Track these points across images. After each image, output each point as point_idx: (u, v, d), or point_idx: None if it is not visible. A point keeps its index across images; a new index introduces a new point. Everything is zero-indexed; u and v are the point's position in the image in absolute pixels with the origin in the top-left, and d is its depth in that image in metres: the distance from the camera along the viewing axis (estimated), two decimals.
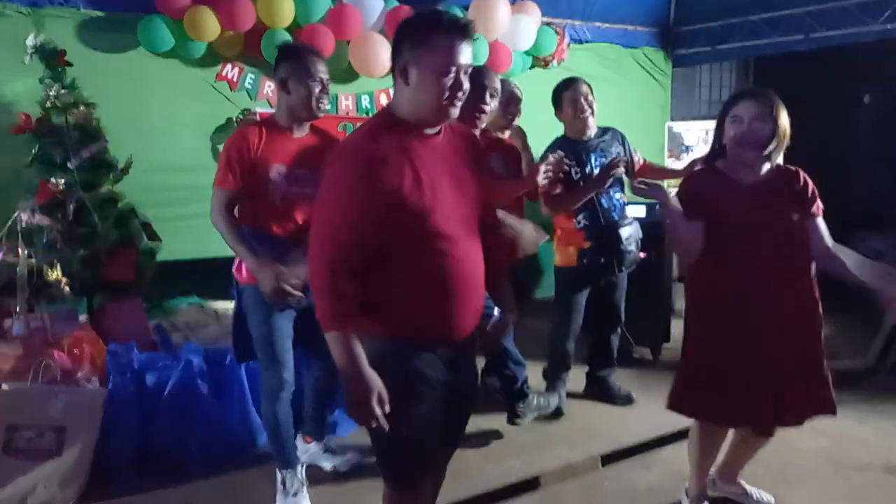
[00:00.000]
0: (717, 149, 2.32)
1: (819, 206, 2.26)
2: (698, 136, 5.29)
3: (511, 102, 3.10)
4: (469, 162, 1.78)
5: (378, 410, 1.61)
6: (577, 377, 3.60)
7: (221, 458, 2.87)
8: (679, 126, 5.50)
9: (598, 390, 3.60)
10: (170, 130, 3.91)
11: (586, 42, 5.32)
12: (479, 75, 2.62)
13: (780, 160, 2.31)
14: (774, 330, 2.20)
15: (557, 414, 3.38)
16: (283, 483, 2.57)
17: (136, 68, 3.76)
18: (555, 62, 4.95)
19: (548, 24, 4.83)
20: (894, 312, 2.60)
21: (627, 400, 3.51)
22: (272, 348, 2.49)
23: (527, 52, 4.75)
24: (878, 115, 6.37)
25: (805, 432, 3.15)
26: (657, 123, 5.61)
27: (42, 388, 2.65)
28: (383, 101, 4.40)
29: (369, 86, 4.37)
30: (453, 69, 1.61)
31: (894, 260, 4.76)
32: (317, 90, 2.39)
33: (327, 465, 2.85)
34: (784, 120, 2.20)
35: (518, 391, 3.15)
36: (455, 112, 1.67)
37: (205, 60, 3.90)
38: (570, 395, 3.53)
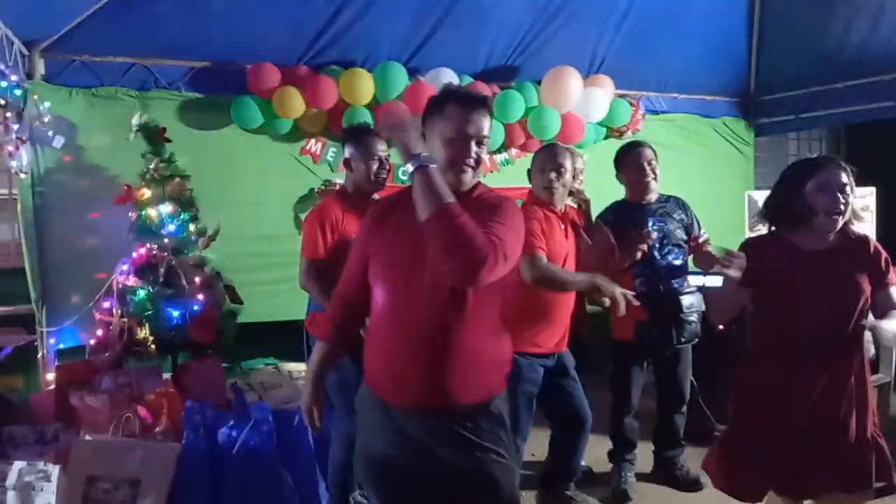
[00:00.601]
0: (790, 216, 2.23)
1: (893, 276, 2.17)
2: None
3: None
4: None
5: (308, 418, 1.96)
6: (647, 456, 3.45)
7: None
8: (759, 195, 5.33)
9: (665, 472, 3.41)
10: (257, 200, 4.17)
11: (663, 112, 5.34)
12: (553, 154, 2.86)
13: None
14: (816, 400, 2.14)
15: (623, 498, 3.23)
16: None
17: (228, 144, 4.07)
18: (629, 132, 4.97)
19: (622, 95, 4.89)
20: None
21: (695, 484, 3.27)
22: (348, 394, 2.56)
23: (600, 123, 4.79)
24: None
25: None
26: (739, 193, 5.47)
27: (121, 442, 2.79)
28: None
29: None
30: (463, 137, 1.73)
31: None
32: (374, 167, 2.57)
33: None
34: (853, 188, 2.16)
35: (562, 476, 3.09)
36: (467, 178, 1.76)
37: (291, 136, 4.17)
38: (640, 476, 3.39)
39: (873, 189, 4.36)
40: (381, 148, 2.64)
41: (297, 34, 4.02)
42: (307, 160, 4.27)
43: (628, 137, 4.99)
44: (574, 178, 3.08)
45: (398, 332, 1.77)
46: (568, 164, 2.84)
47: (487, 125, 1.78)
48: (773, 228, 2.32)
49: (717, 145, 5.58)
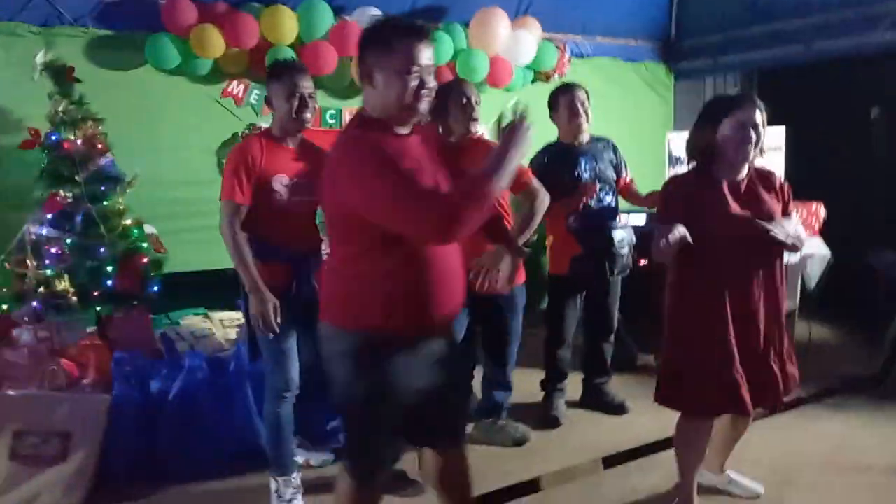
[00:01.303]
0: (709, 150, 2.35)
1: (793, 204, 2.42)
2: None
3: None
4: (438, 160, 1.90)
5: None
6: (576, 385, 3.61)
7: (225, 464, 2.90)
8: (678, 136, 5.53)
9: (593, 398, 3.58)
10: (176, 145, 3.99)
11: (588, 56, 5.40)
12: (466, 89, 2.85)
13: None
14: (748, 318, 2.32)
15: (554, 424, 3.38)
16: (277, 491, 2.60)
17: (143, 85, 3.85)
18: (556, 76, 5.01)
19: (549, 39, 4.91)
20: None
21: (620, 409, 3.48)
22: (277, 349, 2.54)
23: (528, 67, 4.81)
24: (886, 129, 6.34)
25: (807, 436, 3.18)
26: (660, 136, 5.64)
27: (48, 395, 2.70)
28: None
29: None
30: (415, 69, 1.71)
31: None
32: (295, 104, 2.49)
33: (300, 458, 2.85)
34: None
35: (491, 410, 3.19)
36: (424, 108, 1.77)
37: (211, 77, 3.99)
38: (569, 404, 3.54)
39: (783, 128, 4.57)
40: (305, 85, 2.53)
41: None
42: (229, 103, 4.11)
43: (555, 81, 5.03)
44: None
45: (437, 263, 1.80)
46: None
47: (432, 54, 1.77)
48: (693, 164, 2.44)
49: (639, 89, 5.72)
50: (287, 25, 3.89)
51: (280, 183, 2.54)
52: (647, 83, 5.77)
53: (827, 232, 4.54)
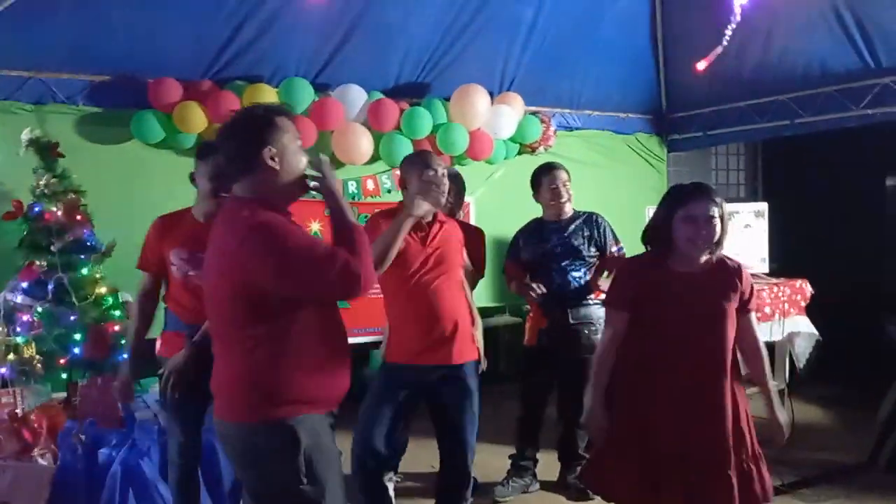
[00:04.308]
0: (663, 240, 2.26)
1: (755, 303, 2.28)
2: None
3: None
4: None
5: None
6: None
7: None
8: None
9: (563, 482, 3.47)
10: (156, 215, 4.12)
11: (577, 129, 5.48)
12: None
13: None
14: (682, 421, 2.17)
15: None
16: None
17: (130, 158, 4.04)
18: (541, 148, 5.09)
19: (533, 112, 5.01)
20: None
21: (579, 495, 3.31)
22: (173, 414, 2.60)
23: (512, 140, 4.90)
24: None
25: None
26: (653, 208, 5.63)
27: None
28: (370, 186, 4.59)
29: (355, 172, 4.56)
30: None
31: None
32: (214, 186, 2.57)
33: None
34: (727, 218, 2.22)
35: None
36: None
37: (195, 150, 4.14)
38: (545, 484, 3.49)
39: (765, 205, 4.56)
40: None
41: (199, 48, 4.02)
42: None
43: (541, 153, 5.12)
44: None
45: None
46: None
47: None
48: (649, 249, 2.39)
49: (631, 161, 5.77)
50: (269, 101, 4.05)
51: (178, 257, 2.62)
52: (639, 154, 5.81)
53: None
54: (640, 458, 2.20)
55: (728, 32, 3.89)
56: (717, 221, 2.18)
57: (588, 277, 3.36)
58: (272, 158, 1.77)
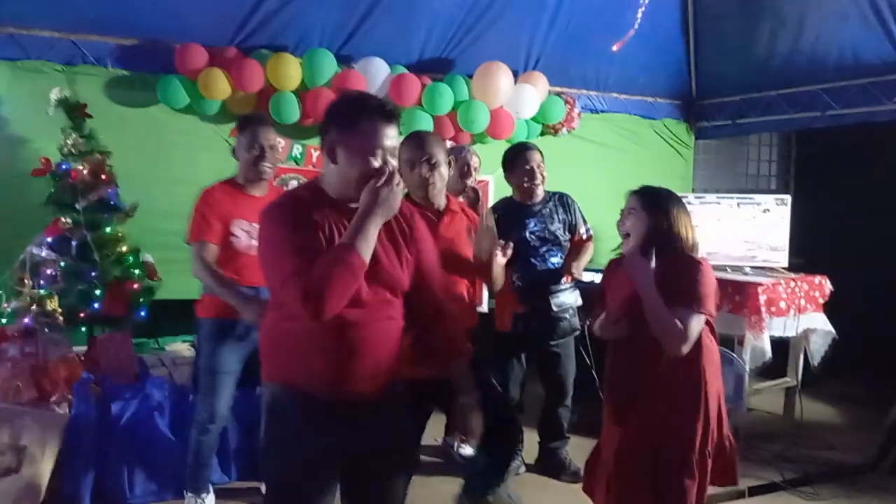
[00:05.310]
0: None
1: (696, 303, 2.12)
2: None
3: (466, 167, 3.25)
4: (396, 235, 1.84)
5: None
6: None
7: (178, 490, 2.99)
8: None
9: (547, 462, 3.52)
10: (183, 179, 4.17)
11: (602, 112, 5.42)
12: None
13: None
14: (636, 418, 2.19)
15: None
16: None
17: (155, 122, 4.11)
18: (564, 130, 5.05)
19: (559, 93, 4.97)
20: None
21: (575, 476, 3.33)
22: (212, 379, 2.67)
23: (534, 120, 4.87)
24: None
25: None
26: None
27: (8, 409, 2.87)
28: None
29: None
30: (378, 152, 1.70)
31: None
32: (255, 155, 2.64)
33: None
34: (674, 220, 2.20)
35: None
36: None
37: (219, 117, 4.22)
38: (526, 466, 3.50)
39: (788, 197, 4.48)
40: (264, 137, 2.71)
41: (225, 15, 4.05)
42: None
43: (563, 135, 5.09)
44: (467, 174, 3.17)
45: (356, 335, 1.75)
46: (441, 154, 2.50)
47: (396, 135, 1.77)
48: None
49: (657, 146, 5.68)
50: (291, 72, 4.09)
51: (239, 228, 2.70)
52: (665, 141, 5.73)
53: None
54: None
55: (639, 15, 3.85)
56: (639, 217, 2.21)
57: (560, 262, 3.37)
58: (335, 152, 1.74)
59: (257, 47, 4.18)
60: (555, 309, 3.24)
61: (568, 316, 3.27)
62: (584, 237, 3.42)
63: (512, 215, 3.28)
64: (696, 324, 2.09)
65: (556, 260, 3.34)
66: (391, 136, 1.73)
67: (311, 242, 1.67)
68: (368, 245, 1.68)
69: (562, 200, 3.42)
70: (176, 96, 4.00)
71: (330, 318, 1.65)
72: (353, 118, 1.71)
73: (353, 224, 1.69)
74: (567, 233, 3.38)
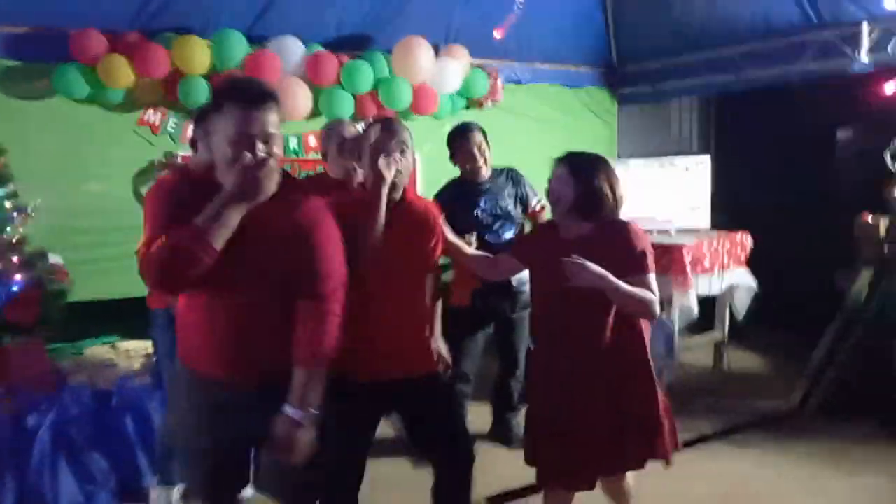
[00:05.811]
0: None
1: (645, 264, 2.14)
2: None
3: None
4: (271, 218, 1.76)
5: None
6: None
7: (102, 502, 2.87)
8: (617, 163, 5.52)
9: (499, 432, 3.57)
10: (91, 173, 4.00)
11: (526, 83, 5.40)
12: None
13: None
14: (570, 388, 2.20)
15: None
16: (157, 498, 2.79)
17: (54, 115, 3.86)
18: (489, 102, 5.02)
19: (479, 66, 4.91)
20: None
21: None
22: (174, 367, 2.57)
23: (458, 94, 4.81)
24: (852, 151, 6.30)
25: (704, 476, 3.12)
26: None
27: None
28: (311, 142, 4.48)
29: (296, 128, 4.44)
30: (242, 137, 1.66)
31: None
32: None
33: None
34: (601, 181, 2.17)
35: None
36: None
37: (125, 106, 4.00)
38: (479, 436, 3.50)
39: (707, 157, 4.58)
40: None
41: None
42: (146, 131, 4.11)
43: (489, 108, 5.05)
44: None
45: (230, 319, 1.81)
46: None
47: (274, 120, 1.71)
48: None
49: (583, 115, 5.71)
50: (199, 55, 3.89)
51: None
52: (590, 109, 5.77)
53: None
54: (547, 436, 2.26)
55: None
56: (569, 184, 2.18)
57: (515, 236, 3.37)
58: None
59: (161, 30, 3.96)
60: (514, 284, 3.23)
61: (526, 289, 3.26)
62: (538, 208, 3.43)
63: (461, 195, 3.25)
64: (654, 280, 2.16)
65: (509, 235, 3.32)
66: (262, 121, 1.68)
67: (176, 221, 1.65)
68: (221, 228, 1.63)
69: (510, 175, 3.42)
70: (75, 86, 3.76)
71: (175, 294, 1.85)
72: (218, 104, 1.72)
73: (210, 207, 1.64)
74: (518, 207, 3.37)
